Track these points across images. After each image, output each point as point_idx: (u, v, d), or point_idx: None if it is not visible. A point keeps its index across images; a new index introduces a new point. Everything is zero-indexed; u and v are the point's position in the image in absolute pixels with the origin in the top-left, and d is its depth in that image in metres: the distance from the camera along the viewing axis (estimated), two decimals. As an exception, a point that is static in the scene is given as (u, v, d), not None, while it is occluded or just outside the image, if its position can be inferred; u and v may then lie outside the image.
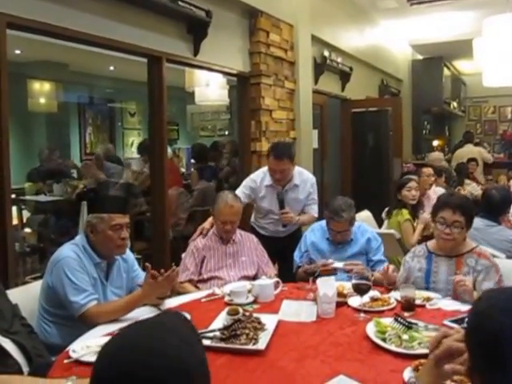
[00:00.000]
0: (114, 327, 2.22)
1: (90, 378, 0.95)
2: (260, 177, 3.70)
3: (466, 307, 2.40)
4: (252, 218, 3.92)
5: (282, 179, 3.57)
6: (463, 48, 7.83)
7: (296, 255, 3.23)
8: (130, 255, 2.67)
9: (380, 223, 5.14)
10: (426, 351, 1.90)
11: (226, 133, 9.19)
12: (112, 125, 9.96)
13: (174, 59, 4.23)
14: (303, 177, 3.75)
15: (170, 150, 7.35)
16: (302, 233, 3.61)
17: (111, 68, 8.35)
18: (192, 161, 7.53)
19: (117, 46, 3.71)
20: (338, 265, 2.85)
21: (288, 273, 3.23)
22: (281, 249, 3.45)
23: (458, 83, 13.01)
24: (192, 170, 6.36)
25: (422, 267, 2.76)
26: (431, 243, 2.83)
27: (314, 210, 3.76)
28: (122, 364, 0.92)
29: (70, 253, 2.39)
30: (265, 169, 3.71)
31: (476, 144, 10.33)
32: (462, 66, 12.44)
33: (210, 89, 6.76)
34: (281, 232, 3.74)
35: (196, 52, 4.43)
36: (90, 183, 5.18)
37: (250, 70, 5.14)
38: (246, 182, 3.76)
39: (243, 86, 5.18)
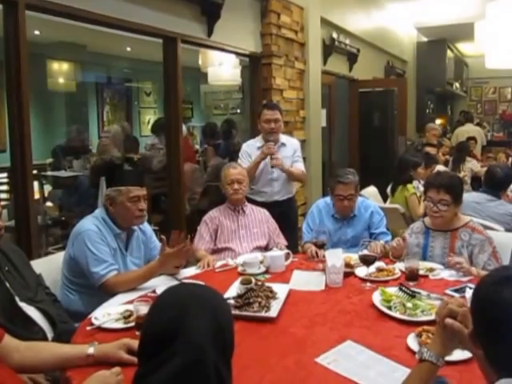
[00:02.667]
0: (134, 295, 2.24)
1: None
2: (252, 142, 3.85)
3: (466, 277, 2.40)
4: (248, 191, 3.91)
5: (276, 129, 3.68)
6: (466, 31, 7.68)
7: (305, 228, 3.21)
8: (147, 227, 2.68)
9: (385, 198, 5.12)
10: (428, 318, 1.92)
11: (238, 111, 9.12)
12: (128, 104, 9.90)
13: (188, 40, 4.17)
14: (289, 139, 3.98)
15: (184, 128, 7.33)
16: (296, 202, 3.80)
17: (128, 49, 8.26)
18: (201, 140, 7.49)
19: (133, 27, 3.66)
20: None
21: (288, 242, 3.24)
22: (276, 219, 3.43)
23: (461, 65, 12.83)
24: (206, 146, 6.31)
25: (420, 242, 2.78)
26: (428, 219, 2.83)
27: (301, 166, 3.88)
28: (158, 323, 1.06)
29: (91, 225, 2.39)
30: (256, 138, 3.88)
31: (476, 124, 10.23)
32: (464, 48, 12.23)
33: (222, 69, 6.67)
34: (276, 194, 3.74)
35: (210, 33, 4.37)
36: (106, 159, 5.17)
37: (262, 50, 5.07)
38: (241, 152, 3.83)
39: (255, 67, 5.12)
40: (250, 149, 3.76)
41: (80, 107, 8.46)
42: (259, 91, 5.07)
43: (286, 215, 3.68)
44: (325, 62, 6.38)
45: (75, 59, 7.97)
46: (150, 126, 8.16)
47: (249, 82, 5.38)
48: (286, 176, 3.76)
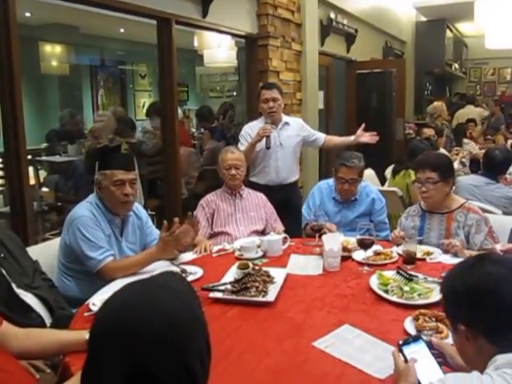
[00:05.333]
0: (131, 280, 2.25)
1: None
2: (254, 124, 3.80)
3: (460, 258, 2.41)
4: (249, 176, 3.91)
5: (275, 109, 3.66)
6: (466, 10, 7.63)
7: (304, 210, 3.23)
8: (143, 212, 2.68)
9: (383, 181, 5.13)
10: (425, 302, 1.94)
11: (234, 94, 9.07)
12: (123, 87, 9.83)
13: (183, 21, 4.12)
14: (292, 118, 3.99)
15: (180, 111, 7.29)
16: (299, 187, 3.73)
17: (121, 30, 8.18)
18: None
19: (126, 8, 3.61)
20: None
21: (287, 229, 3.23)
22: (278, 204, 3.43)
23: (460, 45, 12.74)
24: (203, 130, 6.28)
25: (416, 225, 2.80)
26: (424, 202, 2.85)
27: (319, 134, 4.01)
28: (118, 320, 0.92)
29: (85, 211, 2.39)
30: (258, 119, 3.85)
31: (477, 105, 10.20)
32: (464, 28, 12.13)
33: (218, 51, 6.63)
34: (274, 175, 3.71)
35: (205, 14, 4.31)
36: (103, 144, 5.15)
37: (258, 31, 5.02)
38: (242, 133, 3.80)
39: (251, 48, 5.07)
40: (252, 130, 3.70)
41: (74, 90, 8.41)
42: (255, 73, 5.04)
43: (289, 199, 3.67)
44: (322, 43, 6.32)
45: (68, 41, 7.89)
46: (144, 110, 8.11)
47: (245, 63, 5.33)
48: (290, 158, 3.76)
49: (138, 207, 2.64)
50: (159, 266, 2.42)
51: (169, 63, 4.01)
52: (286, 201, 3.55)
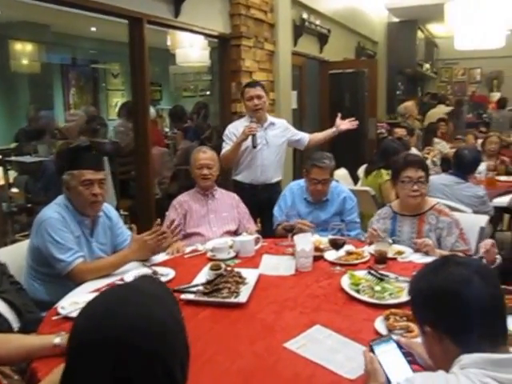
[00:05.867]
0: (102, 283, 2.22)
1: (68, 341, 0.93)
2: (237, 123, 3.81)
3: (431, 257, 2.44)
4: (232, 175, 3.91)
5: (260, 106, 3.66)
6: (436, 11, 7.74)
7: (276, 211, 3.23)
8: (113, 213, 2.64)
9: (356, 180, 5.17)
10: (396, 301, 1.95)
11: (208, 93, 9.04)
12: (95, 86, 9.70)
13: (154, 21, 4.08)
14: (278, 119, 4.01)
15: (153, 111, 7.22)
16: (282, 188, 3.65)
17: (93, 29, 8.07)
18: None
19: (96, 7, 3.55)
20: None
21: (270, 229, 3.23)
22: (262, 203, 3.43)
23: (431, 46, 12.95)
24: (176, 130, 6.24)
25: (387, 228, 2.81)
26: (395, 204, 2.87)
27: (303, 134, 4.04)
28: (101, 329, 0.89)
29: (53, 213, 2.34)
30: (241, 119, 3.87)
31: (447, 105, 10.37)
32: (435, 29, 12.34)
33: (191, 50, 6.59)
34: (259, 174, 3.71)
35: (177, 14, 4.28)
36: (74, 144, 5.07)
37: (231, 31, 5.01)
38: (226, 133, 3.77)
39: (224, 48, 5.06)
40: (237, 129, 3.68)
41: (45, 89, 8.26)
42: (228, 73, 5.03)
43: (273, 199, 3.59)
44: (295, 43, 6.34)
45: (39, 40, 7.75)
46: (117, 109, 8.01)
47: (218, 63, 5.31)
48: (275, 158, 3.77)
49: (108, 208, 2.60)
50: (130, 268, 2.40)
51: (140, 63, 3.97)
52: (269, 200, 3.53)
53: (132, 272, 2.32)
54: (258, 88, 3.71)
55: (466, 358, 1.08)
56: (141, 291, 0.97)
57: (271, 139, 3.74)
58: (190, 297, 2.05)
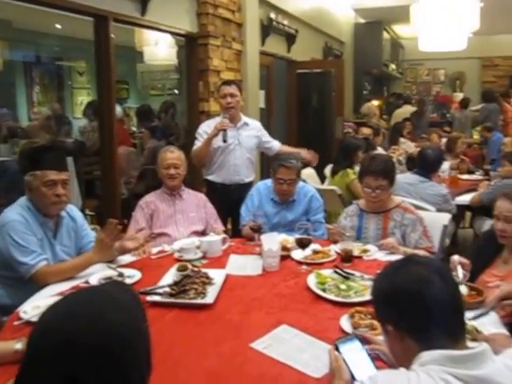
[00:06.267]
0: (65, 286, 2.18)
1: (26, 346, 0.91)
2: (209, 122, 3.79)
3: (398, 257, 2.48)
4: (204, 174, 3.89)
5: (233, 104, 3.66)
6: (402, 13, 7.86)
7: (243, 211, 3.22)
8: (78, 214, 2.58)
9: (323, 179, 5.21)
10: (361, 299, 1.98)
11: (176, 92, 8.96)
12: (60, 84, 9.47)
13: (120, 19, 4.03)
14: (251, 120, 4.01)
15: (119, 109, 7.12)
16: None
17: (58, 26, 7.88)
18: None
19: (61, 4, 3.50)
20: None
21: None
22: (234, 203, 3.42)
23: (397, 47, 13.15)
24: (143, 129, 6.17)
25: (354, 225, 2.86)
26: (362, 202, 2.93)
27: (275, 142, 4.04)
28: (61, 332, 0.87)
29: (15, 215, 2.27)
30: (215, 117, 3.85)
31: (413, 105, 10.56)
32: (400, 30, 12.53)
33: (158, 48, 6.53)
34: (232, 173, 3.71)
35: (143, 12, 4.23)
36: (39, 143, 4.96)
37: (198, 30, 4.98)
38: (198, 131, 3.76)
39: (191, 47, 5.03)
40: (210, 127, 3.66)
41: (7, 87, 8.04)
42: (196, 72, 5.00)
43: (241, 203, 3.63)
44: (263, 43, 6.35)
45: (0, 36, 7.53)
46: (83, 108, 7.87)
47: (185, 62, 5.28)
48: (247, 158, 3.78)
49: (72, 209, 2.55)
50: (95, 270, 2.36)
51: (106, 61, 3.91)
52: (242, 200, 3.49)
53: (97, 274, 2.29)
54: (232, 86, 3.73)
55: (426, 355, 1.10)
56: (106, 296, 0.96)
57: (244, 139, 3.74)
58: (157, 298, 2.03)
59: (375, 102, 11.04)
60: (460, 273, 2.08)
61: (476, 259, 2.27)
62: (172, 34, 5.08)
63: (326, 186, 4.78)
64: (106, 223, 2.40)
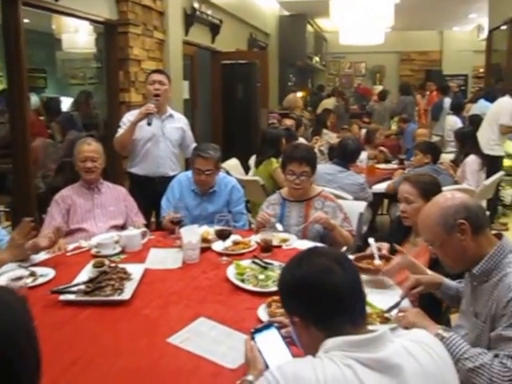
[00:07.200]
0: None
1: None
2: (135, 111, 3.67)
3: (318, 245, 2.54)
4: (128, 167, 3.79)
5: (160, 92, 3.59)
6: (323, 7, 7.99)
7: (164, 203, 3.16)
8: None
9: (247, 170, 5.23)
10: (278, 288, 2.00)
11: (97, 81, 8.63)
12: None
13: (31, 2, 3.80)
14: (178, 114, 3.92)
15: (36, 99, 6.77)
16: None
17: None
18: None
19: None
20: None
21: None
22: (159, 196, 3.34)
23: (320, 40, 13.43)
24: (52, 124, 5.90)
25: (277, 213, 2.89)
26: (284, 191, 2.98)
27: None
28: None
29: None
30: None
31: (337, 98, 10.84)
32: (323, 23, 12.79)
33: (77, 35, 6.26)
34: (156, 166, 3.63)
35: (57, -4, 4.02)
36: None
37: (118, 18, 4.81)
38: (123, 120, 3.66)
39: (110, 35, 4.84)
40: (133, 116, 3.56)
41: None
42: (116, 61, 4.82)
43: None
44: (186, 33, 6.25)
45: None
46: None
47: (105, 51, 5.09)
48: (172, 150, 3.70)
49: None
50: (6, 269, 2.23)
51: (16, 47, 3.67)
52: (159, 193, 3.45)
53: (7, 274, 2.17)
54: (162, 75, 3.71)
55: (329, 342, 1.12)
56: None
57: (169, 131, 3.67)
58: (70, 297, 1.95)
59: (299, 94, 11.24)
60: (376, 255, 2.24)
61: (389, 243, 2.38)
62: (89, 20, 4.87)
63: (250, 176, 4.79)
64: (19, 219, 2.28)
